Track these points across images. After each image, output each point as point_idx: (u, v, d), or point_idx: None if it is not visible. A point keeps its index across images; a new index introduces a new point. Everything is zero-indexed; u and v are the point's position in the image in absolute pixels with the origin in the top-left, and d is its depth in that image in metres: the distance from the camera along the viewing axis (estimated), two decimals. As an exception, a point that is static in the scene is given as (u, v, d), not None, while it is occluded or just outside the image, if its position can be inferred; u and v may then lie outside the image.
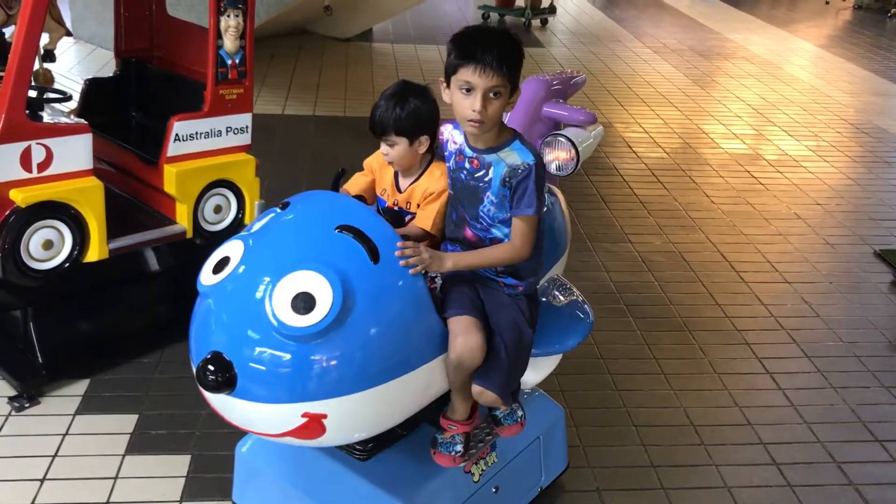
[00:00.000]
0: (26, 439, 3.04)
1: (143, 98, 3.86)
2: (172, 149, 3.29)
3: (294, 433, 2.03)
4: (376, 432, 2.27)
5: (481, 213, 2.22)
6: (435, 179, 2.36)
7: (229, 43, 3.30)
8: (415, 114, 2.29)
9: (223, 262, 2.05)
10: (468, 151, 2.22)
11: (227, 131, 3.44)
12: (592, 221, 5.32)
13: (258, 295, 1.94)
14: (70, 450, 3.00)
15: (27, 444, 3.01)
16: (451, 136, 2.30)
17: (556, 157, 2.84)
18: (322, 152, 6.17)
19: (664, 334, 4.07)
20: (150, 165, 3.38)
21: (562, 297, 2.64)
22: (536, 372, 2.56)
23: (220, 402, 2.02)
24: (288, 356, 1.93)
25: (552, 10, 11.59)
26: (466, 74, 2.06)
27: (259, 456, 2.61)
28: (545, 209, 2.69)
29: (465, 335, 2.12)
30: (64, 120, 3.10)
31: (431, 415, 2.43)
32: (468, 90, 2.08)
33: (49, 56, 5.57)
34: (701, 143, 7.14)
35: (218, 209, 3.49)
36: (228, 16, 3.26)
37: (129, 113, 3.88)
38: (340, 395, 1.98)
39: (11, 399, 3.20)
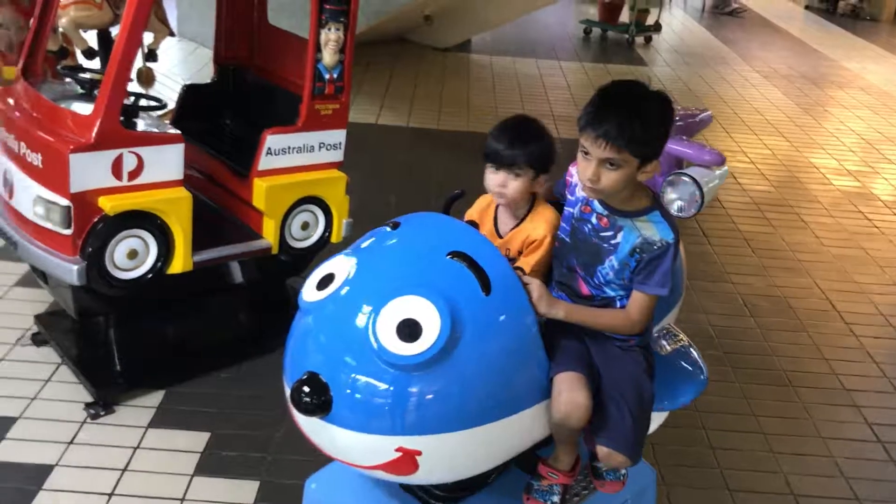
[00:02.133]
0: (99, 449, 2.99)
1: (239, 107, 3.80)
2: (264, 162, 3.21)
3: (385, 467, 1.90)
4: (469, 475, 2.12)
5: (598, 272, 2.08)
6: (536, 227, 2.22)
7: (328, 57, 3.20)
8: (548, 148, 2.17)
9: (328, 279, 1.94)
10: (598, 207, 2.07)
11: (320, 147, 3.34)
12: (692, 257, 4.98)
13: (362, 317, 1.83)
14: (140, 464, 2.94)
15: (99, 455, 2.96)
16: (580, 182, 2.11)
17: (679, 197, 2.65)
18: (413, 165, 6.07)
19: (765, 388, 3.79)
20: (241, 178, 3.30)
21: (668, 348, 2.43)
22: None
23: (311, 427, 1.91)
24: (388, 385, 1.81)
25: (657, 27, 11.26)
26: (585, 140, 1.94)
27: (329, 495, 2.47)
28: None
29: (570, 392, 1.96)
30: (157, 129, 3.04)
31: (520, 459, 2.27)
32: (586, 153, 1.96)
33: (152, 56, 5.66)
34: (810, 177, 6.74)
35: (305, 226, 3.39)
36: (329, 29, 3.16)
37: (224, 121, 3.83)
38: (438, 433, 1.85)
39: (88, 405, 3.17)
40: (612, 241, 2.04)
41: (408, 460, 1.86)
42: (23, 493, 2.76)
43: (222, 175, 3.44)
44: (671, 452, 3.28)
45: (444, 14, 8.89)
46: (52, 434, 3.03)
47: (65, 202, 2.77)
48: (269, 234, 3.30)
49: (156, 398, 3.28)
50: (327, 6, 3.11)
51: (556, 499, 2.20)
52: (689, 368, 2.40)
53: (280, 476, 2.93)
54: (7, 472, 2.85)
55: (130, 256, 2.95)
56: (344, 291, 1.89)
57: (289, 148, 3.26)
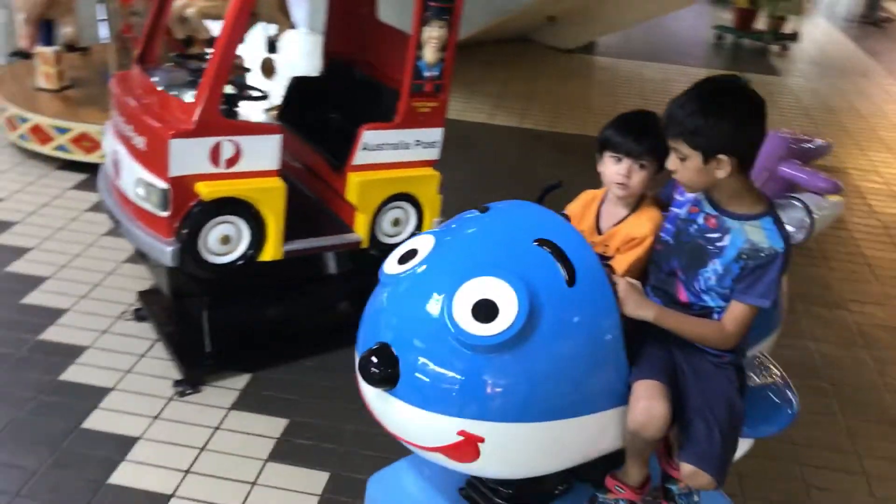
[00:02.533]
0: (182, 426, 3.08)
1: (345, 101, 3.84)
2: (359, 157, 3.23)
3: (446, 451, 1.87)
4: (532, 473, 2.06)
5: (700, 277, 1.98)
6: (640, 224, 2.15)
7: (429, 54, 3.18)
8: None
9: (410, 255, 1.94)
10: (707, 207, 1.99)
11: (416, 144, 3.33)
12: (806, 280, 4.77)
13: (438, 294, 1.81)
14: (218, 445, 3.01)
15: (181, 432, 3.05)
16: None
17: (787, 222, 2.49)
18: (522, 167, 5.99)
19: (872, 426, 3.53)
20: (336, 171, 3.34)
21: (761, 378, 2.29)
22: None
23: (377, 400, 1.90)
24: (458, 365, 1.79)
25: (795, 36, 10.73)
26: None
27: (389, 495, 2.46)
28: None
29: (648, 400, 1.88)
30: (257, 119, 3.10)
31: (589, 474, 2.22)
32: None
33: (272, 47, 5.80)
34: (951, 203, 6.26)
35: (396, 222, 3.39)
36: (432, 26, 3.14)
37: (330, 115, 3.87)
38: (503, 421, 1.81)
39: (176, 383, 3.27)
40: (719, 244, 1.94)
41: (469, 446, 1.82)
42: (108, 462, 2.88)
43: (321, 168, 3.49)
44: (759, 484, 3.09)
45: (569, 15, 8.75)
46: (140, 407, 3.15)
47: (163, 185, 2.87)
48: (361, 229, 3.32)
49: (241, 381, 3.35)
50: (431, 3, 3.09)
51: None
52: (781, 401, 2.24)
53: (350, 470, 2.93)
54: (96, 440, 2.97)
55: (223, 242, 3.02)
56: (423, 268, 1.88)
57: (384, 144, 3.26)
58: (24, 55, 5.60)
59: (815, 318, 4.34)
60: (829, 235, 5.41)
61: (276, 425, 3.13)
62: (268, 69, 5.85)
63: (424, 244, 1.94)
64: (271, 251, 3.12)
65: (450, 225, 2.02)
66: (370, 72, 3.75)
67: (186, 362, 3.32)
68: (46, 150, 5.08)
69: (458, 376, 1.78)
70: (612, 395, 1.92)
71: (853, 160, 6.96)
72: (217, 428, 3.10)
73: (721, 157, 1.85)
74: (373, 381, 1.81)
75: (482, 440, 1.81)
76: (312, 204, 3.56)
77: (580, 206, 2.30)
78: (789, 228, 2.50)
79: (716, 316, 2.00)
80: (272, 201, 3.03)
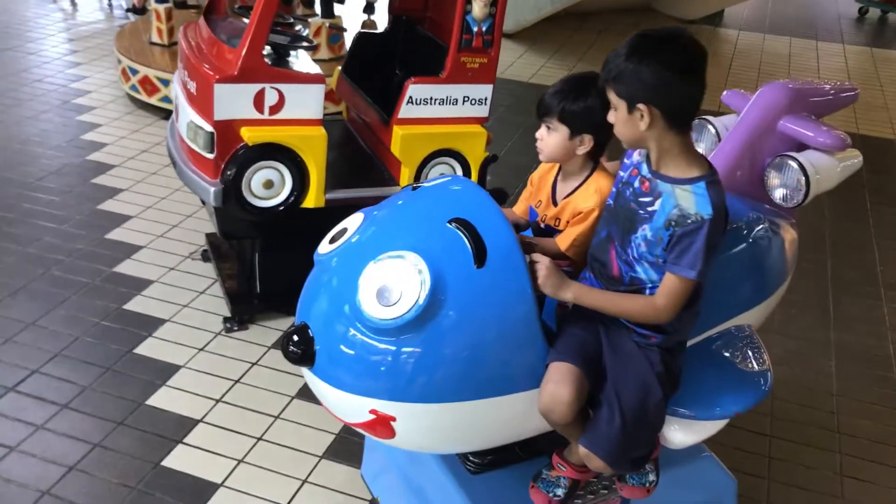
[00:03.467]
0: (222, 359, 3.27)
1: (406, 58, 3.88)
2: (404, 111, 3.27)
3: (363, 427, 1.92)
4: (455, 451, 2.09)
5: (632, 243, 1.88)
6: (587, 196, 2.07)
7: (478, 9, 3.17)
8: (588, 110, 2.00)
9: (341, 234, 1.97)
10: (644, 169, 1.89)
11: (465, 101, 3.34)
12: (894, 261, 4.46)
13: (350, 275, 1.83)
14: (252, 379, 3.17)
15: (221, 364, 3.24)
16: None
17: (783, 183, 2.35)
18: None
19: (936, 423, 3.29)
20: (386, 125, 3.39)
21: (739, 352, 2.17)
22: (688, 433, 2.13)
23: (307, 376, 1.96)
24: (361, 346, 1.80)
25: (949, 11, 9.88)
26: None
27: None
28: (752, 241, 2.28)
29: (555, 384, 1.82)
30: (300, 68, 3.20)
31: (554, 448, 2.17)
32: None
33: (370, 8, 5.90)
34: None
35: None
36: (481, -19, 3.13)
37: (392, 71, 3.93)
38: (411, 402, 1.82)
39: (225, 320, 3.46)
40: (650, 208, 1.83)
41: (383, 424, 1.85)
42: (150, 385, 3.09)
43: (374, 121, 3.56)
44: (789, 469, 2.96)
45: (691, -16, 8.42)
46: (189, 339, 3.36)
47: (209, 128, 3.02)
48: (405, 182, 3.37)
49: (286, 322, 3.50)
50: (480, -42, 3.08)
51: (559, 492, 2.07)
52: (753, 378, 2.12)
53: (370, 413, 3.02)
54: (143, 365, 3.19)
55: (266, 186, 3.15)
56: (343, 247, 1.89)
57: (431, 99, 3.29)
58: (137, 10, 5.96)
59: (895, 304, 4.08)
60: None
61: (309, 366, 3.25)
62: (337, 27, 5.96)
63: (353, 223, 1.94)
64: (314, 198, 3.22)
65: (382, 203, 2.01)
66: (432, 29, 3.77)
67: (236, 301, 3.49)
68: (153, 100, 5.41)
69: (364, 358, 1.79)
70: (532, 376, 1.88)
71: None
72: (255, 364, 3.26)
73: (641, 106, 1.74)
74: (289, 359, 1.86)
75: (394, 419, 1.83)
76: (366, 156, 3.64)
77: (538, 176, 2.23)
78: (782, 191, 2.35)
79: (647, 292, 1.88)
80: (314, 149, 3.13)
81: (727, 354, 2.15)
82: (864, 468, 3.01)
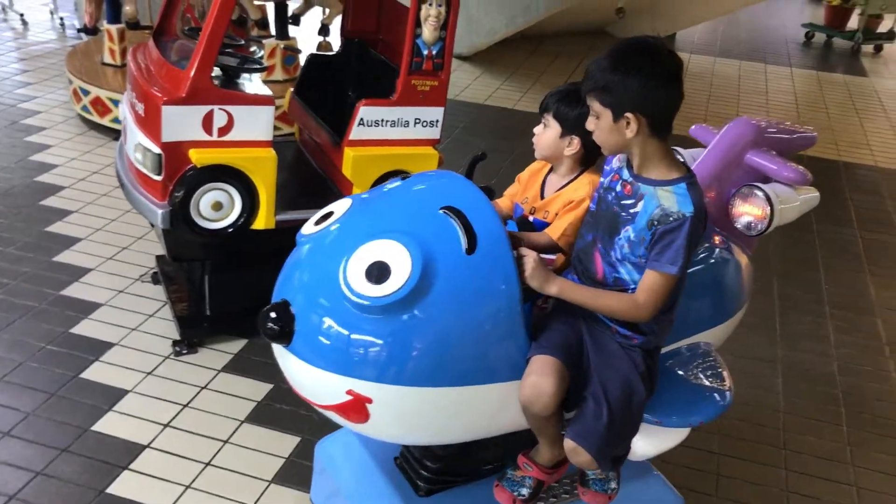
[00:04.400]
0: (171, 383, 3.22)
1: (359, 80, 3.90)
2: (355, 132, 3.28)
3: (337, 409, 1.92)
4: (428, 441, 2.11)
5: (616, 245, 1.93)
6: (578, 188, 2.15)
7: (428, 33, 3.21)
8: (581, 115, 2.06)
9: (327, 217, 1.99)
10: (625, 173, 1.95)
11: (416, 123, 3.36)
12: (842, 284, 4.57)
13: (338, 255, 1.85)
14: (201, 403, 3.13)
15: (170, 388, 3.19)
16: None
17: (748, 212, 2.42)
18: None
19: (878, 439, 3.36)
20: (337, 146, 3.40)
21: (697, 368, 2.22)
22: (650, 442, 2.17)
23: (280, 356, 1.96)
24: (346, 323, 1.82)
25: (891, 36, 10.18)
26: None
27: (329, 456, 2.53)
28: (714, 262, 2.34)
29: (538, 376, 1.86)
30: (249, 90, 3.20)
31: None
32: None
33: (324, 30, 5.93)
34: None
35: (393, 199, 3.43)
36: (430, 4, 3.16)
37: (344, 93, 3.94)
38: (390, 383, 1.83)
39: (175, 343, 3.42)
40: (632, 210, 1.89)
41: (358, 406, 1.85)
42: (95, 410, 3.04)
43: (325, 143, 3.56)
44: (736, 486, 3.00)
45: (645, 7, 8.57)
46: (137, 363, 3.31)
47: (157, 150, 3.00)
48: (356, 204, 3.37)
49: (237, 345, 3.47)
50: (431, -19, 3.12)
51: (524, 491, 2.10)
52: (715, 392, 2.17)
53: (320, 436, 2.97)
54: (89, 390, 3.14)
55: (215, 208, 3.13)
56: (332, 229, 1.92)
57: (382, 121, 3.30)
58: (89, 31, 5.91)
59: (841, 322, 4.16)
60: (876, 233, 5.17)
61: (260, 389, 3.23)
62: (325, 48, 5.99)
63: (341, 207, 1.98)
64: (264, 220, 3.21)
65: (371, 190, 2.05)
66: (385, 51, 3.80)
67: (185, 324, 3.45)
68: (105, 121, 5.35)
69: (347, 335, 1.81)
70: (511, 368, 1.91)
71: (928, 167, 6.59)
72: (204, 387, 3.22)
73: (629, 115, 1.81)
74: (269, 335, 1.87)
75: (370, 401, 1.84)
76: (317, 177, 3.64)
77: (528, 174, 2.32)
78: (748, 219, 2.43)
79: (631, 289, 1.94)
80: (263, 171, 3.12)
81: (692, 367, 2.21)
82: (809, 484, 3.06)
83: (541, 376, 1.86)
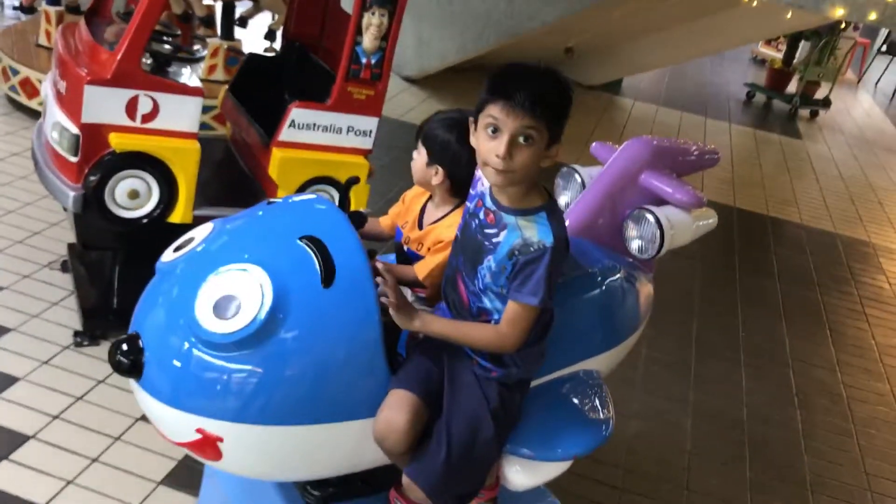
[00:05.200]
0: (66, 374, 3.07)
1: (296, 83, 3.84)
2: (285, 134, 3.22)
3: (190, 447, 1.81)
4: (286, 478, 2.01)
5: (479, 273, 1.86)
6: (450, 227, 2.06)
7: (368, 41, 3.17)
8: (444, 144, 2.05)
9: (187, 243, 1.89)
10: (488, 202, 1.87)
11: (349, 131, 3.31)
12: (760, 332, 4.65)
13: (189, 285, 1.74)
14: (96, 398, 2.99)
15: (64, 379, 3.04)
16: (482, 176, 1.93)
17: (640, 235, 2.41)
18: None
19: (779, 486, 3.39)
20: (265, 146, 3.33)
21: (581, 396, 2.17)
22: (527, 474, 2.10)
23: (134, 390, 1.85)
24: (192, 359, 1.71)
25: (826, 103, 10.57)
26: (494, 111, 1.72)
27: (225, 473, 2.41)
28: (601, 288, 2.31)
29: (390, 410, 1.79)
30: (179, 79, 3.11)
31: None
32: (494, 130, 1.73)
33: (271, 36, 5.86)
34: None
35: (318, 206, 3.36)
36: (373, 13, 3.13)
37: (281, 95, 3.87)
38: (240, 422, 1.73)
39: (76, 333, 3.27)
40: (494, 240, 1.82)
41: (210, 445, 1.76)
42: (-19, 396, 2.88)
43: (255, 142, 3.48)
44: (635, 523, 2.98)
45: (588, 51, 8.71)
46: (33, 351, 3.15)
47: (75, 130, 2.88)
48: (280, 207, 3.30)
49: (142, 342, 3.33)
50: (373, -11, 3.09)
51: None
52: (596, 423, 2.12)
53: (218, 441, 2.89)
54: (-23, 374, 2.98)
55: (131, 196, 3.02)
56: (188, 257, 1.82)
57: (314, 125, 3.24)
58: (26, 9, 5.74)
59: (753, 370, 4.22)
60: (792, 286, 5.28)
61: (160, 388, 3.10)
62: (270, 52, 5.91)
63: (201, 233, 1.88)
64: (181, 213, 3.11)
65: (235, 215, 1.95)
66: (325, 57, 3.75)
67: (89, 315, 3.31)
68: (33, 103, 5.17)
69: (194, 373, 1.71)
70: (372, 405, 1.83)
71: (849, 226, 6.80)
72: (101, 381, 3.08)
73: (558, 145, 1.75)
74: (116, 368, 1.77)
75: (221, 440, 1.74)
76: (243, 176, 3.56)
77: (410, 196, 2.25)
78: (638, 243, 2.42)
79: (494, 322, 1.87)
80: (185, 163, 3.03)
81: (572, 398, 2.14)
82: (708, 525, 3.07)
83: (393, 410, 1.79)
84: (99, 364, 3.16)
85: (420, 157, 2.08)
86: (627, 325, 2.38)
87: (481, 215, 1.87)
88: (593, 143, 2.76)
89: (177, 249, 1.88)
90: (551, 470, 2.10)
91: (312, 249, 1.76)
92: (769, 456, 3.57)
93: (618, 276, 2.36)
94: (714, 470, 3.39)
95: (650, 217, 2.34)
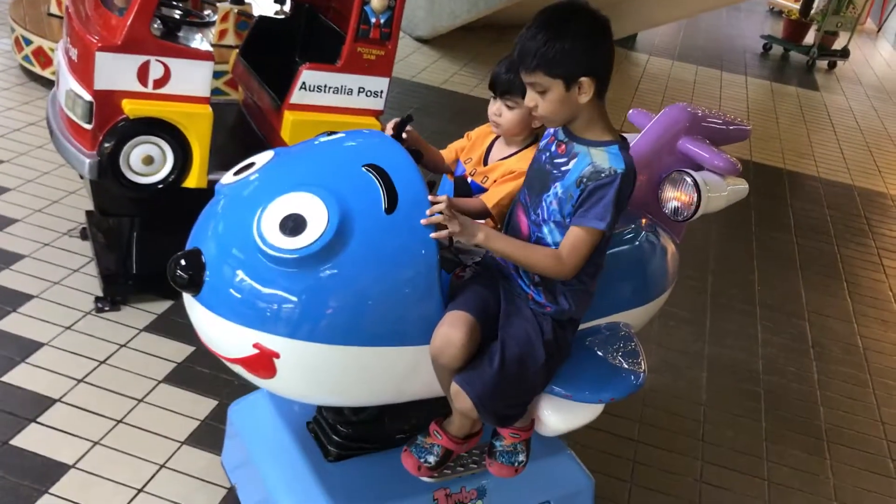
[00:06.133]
0: (89, 339, 3.13)
1: (307, 45, 3.84)
2: (297, 96, 3.23)
3: (243, 363, 1.87)
4: (336, 402, 2.08)
5: (543, 203, 1.90)
6: (522, 160, 2.11)
7: (377, 1, 3.16)
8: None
9: (247, 168, 1.94)
10: (560, 134, 1.93)
11: (360, 92, 3.31)
12: (775, 287, 4.64)
13: (253, 206, 1.80)
14: (118, 361, 3.05)
15: (87, 344, 3.10)
16: None
17: (676, 197, 2.42)
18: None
19: (794, 436, 3.42)
20: (277, 110, 3.34)
21: (614, 347, 2.21)
22: (561, 417, 2.11)
23: (189, 306, 1.91)
24: (257, 275, 1.77)
25: (844, 53, 10.39)
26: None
27: (241, 419, 2.48)
28: (639, 244, 2.35)
29: (449, 327, 1.84)
30: (190, 43, 3.12)
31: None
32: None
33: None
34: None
35: (331, 168, 3.38)
36: (381, -28, 3.11)
37: (292, 57, 3.87)
38: (298, 338, 1.78)
39: (97, 299, 3.33)
40: (564, 168, 1.87)
41: (265, 361, 1.81)
42: (7, 361, 2.94)
43: (267, 106, 3.49)
44: (651, 474, 3.02)
45: (606, 6, 8.50)
46: (56, 317, 3.21)
47: (88, 97, 2.91)
48: (294, 169, 3.32)
49: (162, 306, 3.39)
50: (379, -51, 3.07)
51: (431, 459, 2.08)
52: (628, 371, 2.15)
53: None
54: (3, 340, 3.03)
55: (146, 162, 3.05)
56: (251, 178, 1.87)
57: (325, 86, 3.25)
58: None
59: (768, 322, 4.23)
60: (810, 248, 5.26)
61: (181, 351, 3.16)
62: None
63: (263, 158, 1.94)
64: (196, 178, 3.14)
65: (295, 144, 2.02)
66: (334, 18, 3.73)
67: (109, 280, 3.36)
68: (46, 73, 5.19)
69: (256, 287, 1.76)
70: (425, 332, 1.88)
71: (869, 179, 6.74)
72: (123, 345, 3.14)
73: (583, 79, 1.77)
74: (177, 283, 1.82)
75: (277, 356, 1.80)
76: (256, 140, 3.58)
77: (477, 134, 2.28)
78: (675, 204, 2.44)
79: None
80: (198, 127, 3.05)
81: (609, 345, 2.19)
82: (723, 476, 3.10)
83: (451, 327, 1.84)
84: (120, 328, 3.22)
85: (518, 109, 2.06)
86: (658, 284, 2.43)
87: (553, 148, 1.92)
88: (631, 111, 2.81)
89: (237, 173, 1.92)
90: (585, 414, 2.15)
91: (377, 177, 1.82)
92: (784, 407, 3.59)
93: (652, 235, 2.40)
94: (729, 422, 3.42)
95: (689, 179, 2.36)
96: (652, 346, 3.80)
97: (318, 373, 1.87)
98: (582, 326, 2.12)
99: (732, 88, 8.69)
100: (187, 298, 1.88)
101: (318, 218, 1.74)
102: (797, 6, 10.94)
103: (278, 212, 1.75)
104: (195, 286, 1.80)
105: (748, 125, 2.79)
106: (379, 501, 2.14)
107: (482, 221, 2.07)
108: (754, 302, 4.43)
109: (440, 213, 1.79)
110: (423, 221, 1.80)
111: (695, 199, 2.37)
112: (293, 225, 1.73)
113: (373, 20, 3.19)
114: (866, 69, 11.07)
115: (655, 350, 3.79)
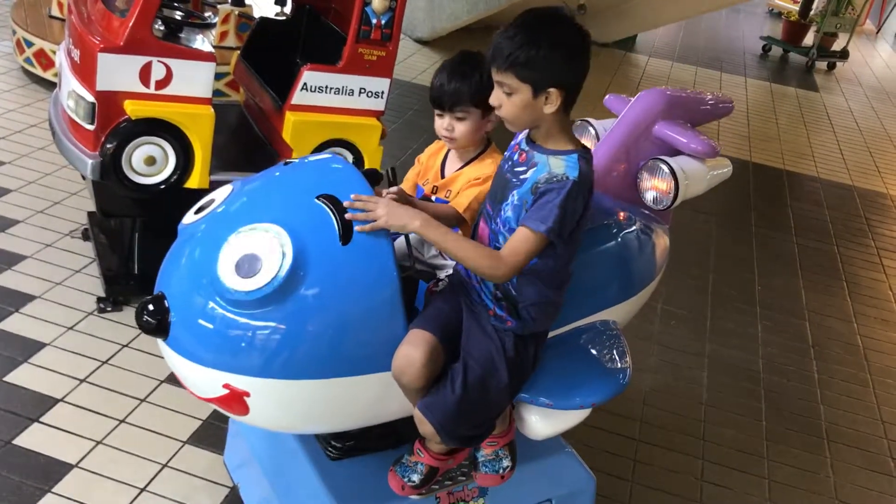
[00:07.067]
0: (92, 339, 3.14)
1: (308, 46, 3.85)
2: (298, 97, 3.24)
3: (218, 402, 1.88)
4: (310, 430, 2.07)
5: (502, 209, 1.87)
6: (482, 166, 2.12)
7: (378, 2, 3.17)
8: (489, 85, 1.97)
9: (207, 205, 1.93)
10: (523, 144, 1.91)
11: (361, 92, 3.32)
12: (775, 287, 4.65)
13: (211, 245, 1.79)
14: (120, 361, 3.06)
15: (90, 344, 3.11)
16: None
17: (654, 186, 2.42)
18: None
19: (794, 435, 3.42)
20: (278, 111, 3.35)
21: (601, 346, 2.20)
22: (547, 423, 2.14)
23: (161, 348, 1.91)
24: (217, 318, 1.77)
25: (844, 54, 10.39)
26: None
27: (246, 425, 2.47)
28: (617, 238, 2.34)
29: (409, 346, 1.83)
30: (191, 45, 3.13)
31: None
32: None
33: (282, 0, 5.82)
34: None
35: (333, 168, 3.39)
36: (382, -27, 3.13)
37: (293, 58, 3.88)
38: (265, 377, 1.79)
39: (99, 300, 3.33)
40: (522, 176, 1.84)
41: (237, 399, 1.82)
42: (9, 361, 2.95)
43: (268, 107, 3.50)
44: (652, 473, 3.03)
45: (606, 7, 8.61)
46: (58, 317, 3.22)
47: (91, 98, 2.92)
48: (295, 170, 3.33)
49: (164, 306, 3.39)
50: (380, -50, 3.08)
51: (415, 477, 2.07)
52: (612, 373, 2.15)
53: (241, 401, 2.96)
54: (6, 341, 3.05)
55: (148, 163, 3.06)
56: (209, 218, 1.87)
57: (326, 87, 3.26)
58: (37, -19, 5.73)
59: (769, 322, 4.24)
60: (810, 248, 5.27)
61: (183, 351, 3.17)
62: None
63: (221, 194, 1.92)
64: (198, 179, 3.15)
65: (253, 176, 1.99)
66: (335, 19, 3.74)
67: (111, 281, 3.37)
68: (48, 75, 5.20)
69: (219, 330, 1.77)
70: (391, 358, 1.86)
71: (868, 179, 6.75)
72: (125, 346, 3.15)
73: (552, 90, 1.75)
74: (144, 329, 1.83)
75: (248, 394, 1.80)
76: (258, 141, 3.59)
77: (427, 155, 2.27)
78: (653, 194, 2.43)
79: None
80: (200, 128, 3.06)
81: (590, 348, 2.17)
82: (724, 474, 3.11)
83: (411, 347, 1.82)
84: (122, 328, 3.23)
85: (470, 119, 2.06)
86: (643, 275, 2.41)
87: (515, 157, 1.90)
88: (607, 96, 2.76)
89: (198, 211, 1.93)
90: (570, 419, 2.14)
91: (330, 208, 1.80)
92: (785, 407, 3.60)
93: (633, 227, 2.38)
94: (730, 421, 3.43)
95: (664, 167, 2.35)
96: (652, 345, 3.81)
97: (290, 407, 1.87)
98: (564, 328, 2.11)
99: (732, 89, 8.70)
100: (159, 342, 1.88)
101: (272, 257, 1.73)
102: (796, 7, 10.95)
103: (233, 253, 1.74)
104: (163, 331, 1.81)
105: (730, 100, 2.76)
106: (382, 500, 2.14)
107: (457, 230, 2.07)
108: (754, 302, 4.44)
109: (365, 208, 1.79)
110: (347, 216, 1.80)
111: (672, 186, 2.36)
112: (247, 266, 1.72)
113: (374, 21, 3.21)
114: (865, 70, 11.08)
115: (657, 349, 3.80)
